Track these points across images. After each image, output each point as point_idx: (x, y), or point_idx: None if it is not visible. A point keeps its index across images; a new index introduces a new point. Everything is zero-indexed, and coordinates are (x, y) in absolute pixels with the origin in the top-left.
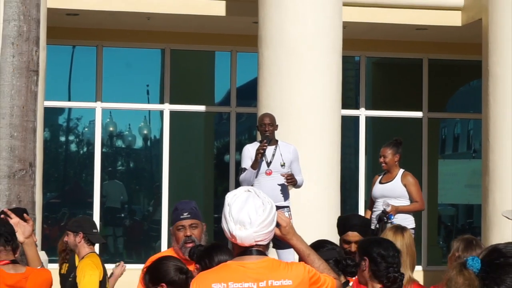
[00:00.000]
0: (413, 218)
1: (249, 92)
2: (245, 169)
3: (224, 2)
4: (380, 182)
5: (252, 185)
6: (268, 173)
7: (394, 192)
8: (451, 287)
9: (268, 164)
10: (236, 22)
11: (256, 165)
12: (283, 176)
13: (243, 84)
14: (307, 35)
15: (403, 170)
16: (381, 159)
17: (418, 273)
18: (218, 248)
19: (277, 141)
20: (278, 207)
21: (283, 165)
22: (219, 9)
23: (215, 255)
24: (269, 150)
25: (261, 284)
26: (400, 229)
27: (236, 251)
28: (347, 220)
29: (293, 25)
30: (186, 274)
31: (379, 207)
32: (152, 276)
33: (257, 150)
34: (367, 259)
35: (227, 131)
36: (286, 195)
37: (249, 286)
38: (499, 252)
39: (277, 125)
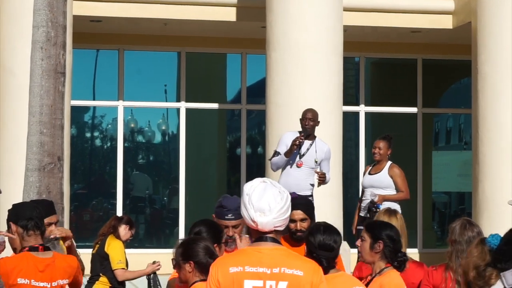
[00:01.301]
0: (399, 206)
1: (258, 91)
2: (278, 153)
3: (235, 8)
4: (370, 173)
5: (277, 169)
6: (299, 165)
7: (382, 183)
8: (467, 257)
9: (301, 156)
10: (245, 27)
11: (289, 154)
12: (317, 173)
13: (252, 84)
14: (310, 38)
15: (391, 162)
16: (376, 150)
17: (414, 255)
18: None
19: (315, 137)
20: (301, 196)
21: (316, 162)
22: (230, 15)
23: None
24: (306, 144)
25: (274, 270)
26: (393, 212)
27: (253, 237)
28: (292, 200)
29: (298, 29)
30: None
31: (367, 196)
32: (184, 252)
33: (293, 141)
34: (382, 242)
35: (238, 126)
36: (310, 185)
37: (263, 271)
38: None
39: (318, 121)
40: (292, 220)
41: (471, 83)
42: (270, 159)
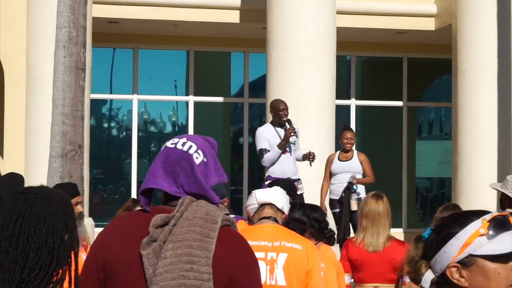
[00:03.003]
0: (365, 188)
1: (259, 86)
2: (266, 150)
3: (238, 11)
4: (340, 160)
5: (273, 163)
6: (285, 152)
7: (355, 168)
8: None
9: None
10: (248, 28)
11: (283, 147)
12: (308, 154)
13: (254, 79)
14: (306, 38)
15: (357, 150)
16: (347, 141)
17: (399, 235)
18: None
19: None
20: (294, 180)
21: (293, 143)
22: (234, 17)
23: None
24: (282, 131)
25: (275, 244)
26: (380, 196)
27: (255, 220)
28: (275, 183)
29: (295, 31)
30: None
31: (341, 179)
32: None
33: (288, 132)
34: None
35: (241, 118)
36: (297, 169)
37: (265, 244)
38: (443, 221)
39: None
40: None
41: (451, 79)
42: (262, 159)
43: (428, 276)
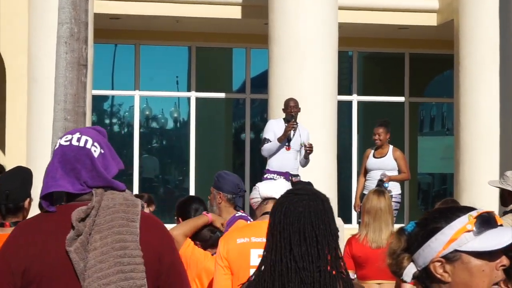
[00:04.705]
0: (399, 185)
1: (261, 82)
2: (268, 140)
3: (240, 7)
4: (374, 157)
5: (271, 154)
6: (287, 149)
7: (388, 165)
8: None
9: (289, 141)
10: (249, 24)
11: (283, 140)
12: (305, 145)
13: (256, 75)
14: (308, 34)
15: (393, 146)
16: (376, 137)
17: None
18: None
19: (297, 123)
20: (293, 175)
21: (302, 145)
22: (236, 13)
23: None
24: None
25: None
26: (382, 192)
27: (258, 214)
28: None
29: (297, 26)
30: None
31: (374, 176)
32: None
33: (288, 127)
34: None
35: (242, 114)
36: (297, 166)
37: None
38: (428, 215)
39: (299, 108)
40: None
41: (453, 75)
42: (261, 147)
43: (410, 270)
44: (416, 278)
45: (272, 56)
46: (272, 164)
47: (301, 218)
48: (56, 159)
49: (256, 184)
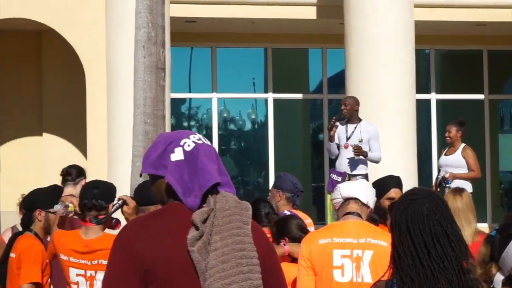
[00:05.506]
0: (471, 184)
1: (338, 82)
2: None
3: (315, 7)
4: (445, 154)
5: (335, 155)
6: (345, 146)
7: (455, 163)
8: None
9: (347, 138)
10: (325, 24)
11: (332, 139)
12: (352, 146)
13: (332, 75)
14: (385, 33)
15: (464, 144)
16: (446, 134)
17: (485, 230)
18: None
19: (360, 120)
20: (355, 175)
21: (360, 141)
22: (311, 14)
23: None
24: (350, 127)
25: (360, 240)
26: (458, 191)
27: (340, 215)
28: (387, 180)
29: (373, 25)
30: (305, 233)
31: (441, 174)
32: (278, 230)
33: (329, 127)
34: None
35: (320, 114)
36: (361, 165)
37: (350, 241)
38: (505, 219)
39: (356, 107)
40: (390, 198)
41: None
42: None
43: (499, 278)
44: (505, 285)
45: (349, 56)
46: (335, 163)
47: (429, 222)
48: (202, 155)
49: (337, 185)
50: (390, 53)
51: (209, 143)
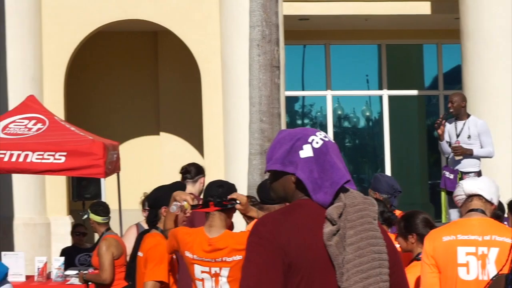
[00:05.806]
0: None
1: (454, 77)
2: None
3: (429, 2)
4: None
5: (447, 153)
6: (457, 143)
7: None
8: None
9: (457, 136)
10: (440, 19)
11: (441, 137)
12: (452, 147)
13: (448, 71)
14: (502, 27)
15: None
16: None
17: None
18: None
19: (469, 116)
20: (467, 172)
21: (469, 137)
22: (425, 9)
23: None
24: (459, 124)
25: (485, 238)
26: None
27: (463, 212)
28: None
29: (490, 20)
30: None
31: None
32: (405, 225)
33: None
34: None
35: (436, 111)
36: (474, 162)
37: (475, 238)
38: None
39: (463, 104)
40: None
41: None
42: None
43: None
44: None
45: (466, 51)
46: (448, 161)
47: None
48: (331, 153)
49: (460, 182)
50: (507, 47)
51: (333, 141)
